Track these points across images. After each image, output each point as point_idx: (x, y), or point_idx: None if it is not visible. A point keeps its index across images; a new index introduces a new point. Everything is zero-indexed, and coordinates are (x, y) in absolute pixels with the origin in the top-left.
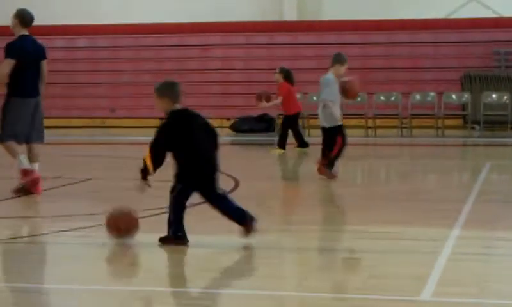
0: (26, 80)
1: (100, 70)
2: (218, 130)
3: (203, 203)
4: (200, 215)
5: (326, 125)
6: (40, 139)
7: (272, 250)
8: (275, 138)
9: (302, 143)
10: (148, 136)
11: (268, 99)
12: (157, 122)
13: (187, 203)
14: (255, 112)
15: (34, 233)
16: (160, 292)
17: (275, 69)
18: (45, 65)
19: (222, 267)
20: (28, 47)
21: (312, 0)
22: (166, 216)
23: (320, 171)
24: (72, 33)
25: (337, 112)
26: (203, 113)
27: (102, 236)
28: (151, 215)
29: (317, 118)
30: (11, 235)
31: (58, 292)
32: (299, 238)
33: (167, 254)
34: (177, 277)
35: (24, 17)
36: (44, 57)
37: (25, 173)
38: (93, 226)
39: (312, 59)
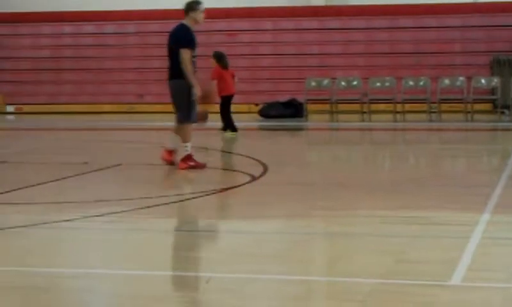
0: None
1: (128, 55)
2: (246, 116)
3: (234, 187)
4: (236, 199)
5: None
6: None
7: (302, 235)
8: (303, 123)
9: (229, 127)
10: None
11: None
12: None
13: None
14: (283, 98)
15: (65, 218)
16: (191, 277)
17: (303, 54)
18: None
19: (252, 251)
20: None
21: None
22: (197, 201)
23: None
24: (101, 19)
25: None
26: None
27: (133, 221)
28: (178, 201)
29: (346, 103)
30: (42, 220)
31: (89, 277)
32: (328, 222)
33: (198, 239)
34: (208, 262)
35: None
36: None
37: None
38: (124, 211)
39: (340, 44)
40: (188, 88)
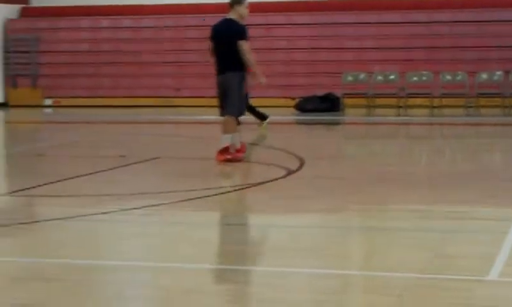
0: None
1: (166, 49)
2: (283, 110)
3: (270, 181)
4: (272, 193)
5: None
6: None
7: (339, 229)
8: (340, 117)
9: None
10: (213, 115)
11: None
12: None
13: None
14: (320, 92)
15: (103, 211)
16: (229, 270)
17: (340, 48)
18: None
19: (289, 245)
20: None
21: None
22: (233, 194)
23: None
24: (139, 13)
25: None
26: (268, 93)
27: (170, 214)
28: (215, 194)
29: (383, 97)
30: (80, 213)
31: (127, 269)
32: (365, 217)
33: (235, 232)
34: (245, 256)
35: None
36: None
37: None
38: (162, 204)
39: (377, 38)
40: (241, 81)
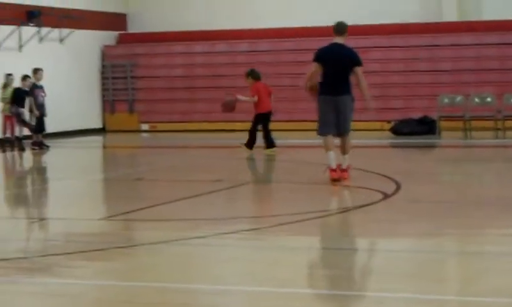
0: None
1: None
2: (379, 134)
3: (366, 205)
4: (368, 217)
5: None
6: None
7: (435, 253)
8: (436, 140)
9: (269, 144)
10: (306, 139)
11: (232, 108)
12: (313, 125)
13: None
14: (415, 115)
15: (200, 235)
16: (325, 295)
17: (436, 71)
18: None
19: (384, 270)
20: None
21: (473, 0)
22: (329, 219)
23: None
24: (233, 38)
25: None
26: (363, 116)
27: (265, 238)
28: (311, 218)
29: (480, 120)
30: (177, 237)
31: (225, 294)
32: (462, 241)
33: (330, 256)
34: (342, 280)
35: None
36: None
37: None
38: (258, 228)
39: (473, 60)
40: (352, 102)
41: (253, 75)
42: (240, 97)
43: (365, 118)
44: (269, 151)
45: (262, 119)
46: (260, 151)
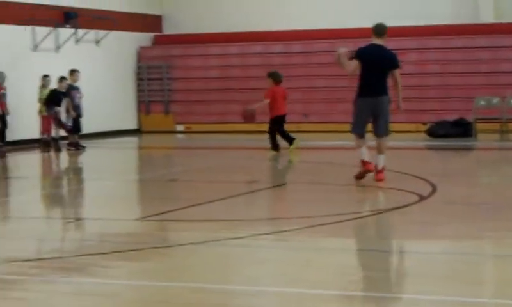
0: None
1: (294, 75)
2: (414, 136)
3: (402, 207)
4: (404, 219)
5: None
6: None
7: (472, 256)
8: (472, 142)
9: (290, 142)
10: (342, 141)
11: (252, 117)
12: (348, 127)
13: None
14: (451, 117)
15: (236, 235)
16: (359, 296)
17: (472, 73)
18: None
19: (420, 272)
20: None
21: (510, 1)
22: (365, 220)
23: None
24: (267, 39)
25: None
26: (399, 118)
27: (301, 239)
28: (346, 220)
29: None
30: (213, 238)
31: (261, 295)
32: (499, 244)
33: (367, 258)
34: (377, 282)
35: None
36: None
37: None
38: (293, 230)
39: (510, 62)
40: (389, 104)
41: (274, 77)
42: (254, 106)
43: (400, 120)
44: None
45: (276, 122)
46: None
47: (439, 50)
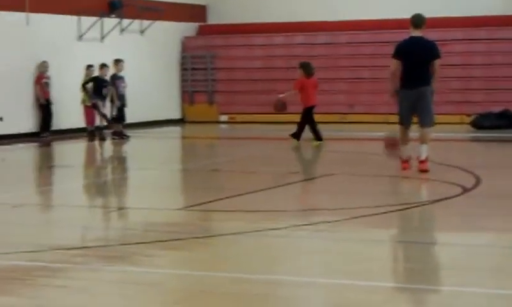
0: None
1: (339, 65)
2: (458, 127)
3: (445, 199)
4: (447, 211)
5: None
6: None
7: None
8: None
9: (317, 137)
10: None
11: (283, 107)
12: (393, 118)
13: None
14: (496, 108)
15: (277, 226)
16: (400, 288)
17: None
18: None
19: (464, 264)
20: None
21: None
22: (408, 212)
23: None
24: (312, 30)
25: None
26: (443, 109)
27: (343, 230)
28: (389, 211)
29: None
30: (254, 228)
31: (302, 285)
32: None
33: (410, 250)
34: (419, 274)
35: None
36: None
37: None
38: (335, 221)
39: None
40: (432, 95)
41: (305, 68)
42: (282, 95)
43: (445, 111)
44: (316, 143)
45: (308, 113)
46: (342, 144)
47: (485, 41)
